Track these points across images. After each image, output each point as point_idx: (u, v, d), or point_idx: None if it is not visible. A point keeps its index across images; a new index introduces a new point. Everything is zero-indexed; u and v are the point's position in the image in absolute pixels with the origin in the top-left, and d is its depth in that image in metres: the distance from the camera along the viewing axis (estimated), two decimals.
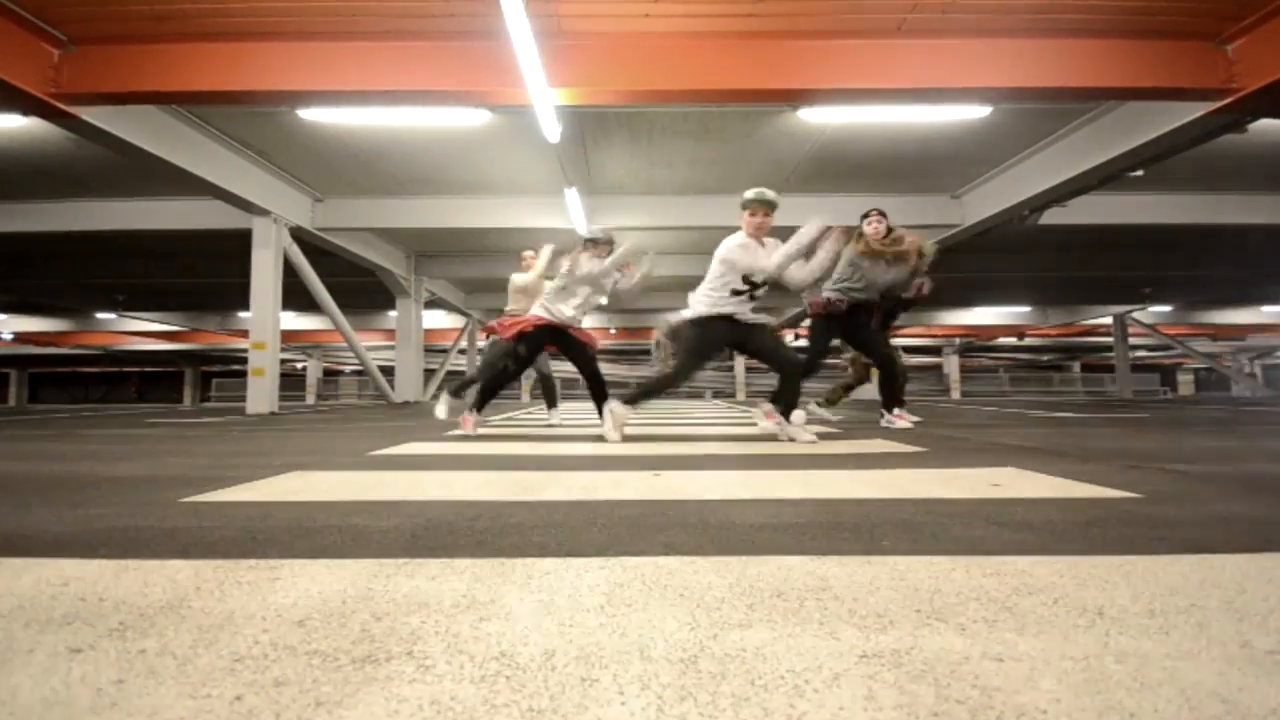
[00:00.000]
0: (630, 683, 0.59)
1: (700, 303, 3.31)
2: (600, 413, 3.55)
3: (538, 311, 3.76)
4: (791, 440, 3.14)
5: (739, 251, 3.21)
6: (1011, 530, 1.21)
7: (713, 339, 3.31)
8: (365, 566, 0.98)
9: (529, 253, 4.89)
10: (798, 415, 3.27)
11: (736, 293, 3.24)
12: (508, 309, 4.59)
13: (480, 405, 3.82)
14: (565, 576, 0.93)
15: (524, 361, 3.86)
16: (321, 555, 1.06)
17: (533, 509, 1.45)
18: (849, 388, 5.11)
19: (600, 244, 3.75)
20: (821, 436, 3.42)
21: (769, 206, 3.23)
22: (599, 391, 3.74)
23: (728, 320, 3.26)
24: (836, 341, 4.40)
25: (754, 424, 4.03)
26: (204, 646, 0.68)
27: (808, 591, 0.86)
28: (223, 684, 0.59)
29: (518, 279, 4.78)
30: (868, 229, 4.26)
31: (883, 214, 4.33)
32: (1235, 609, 0.77)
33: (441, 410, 4.98)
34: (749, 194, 3.26)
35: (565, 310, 3.75)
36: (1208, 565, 0.96)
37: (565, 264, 3.73)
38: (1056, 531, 1.20)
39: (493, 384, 3.91)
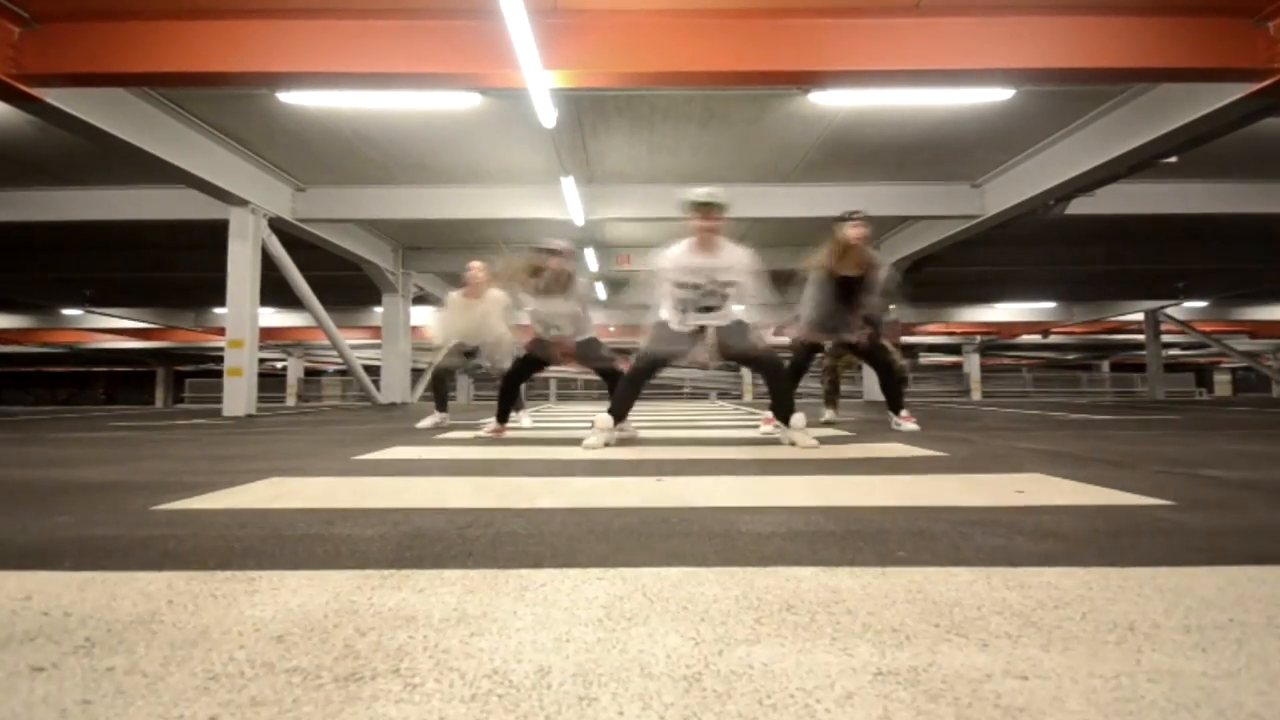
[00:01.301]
0: (630, 701, 0.59)
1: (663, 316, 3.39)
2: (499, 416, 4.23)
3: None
4: (793, 444, 3.16)
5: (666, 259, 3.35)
6: (1036, 539, 1.21)
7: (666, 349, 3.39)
8: (349, 578, 0.98)
9: (476, 263, 5.15)
10: (797, 419, 3.28)
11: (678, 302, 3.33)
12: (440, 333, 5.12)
13: (503, 413, 4.27)
14: (562, 588, 0.93)
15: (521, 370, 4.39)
16: (302, 566, 1.06)
17: (528, 517, 1.45)
18: (834, 385, 5.46)
19: (545, 253, 4.03)
20: (833, 440, 3.42)
21: (711, 208, 3.23)
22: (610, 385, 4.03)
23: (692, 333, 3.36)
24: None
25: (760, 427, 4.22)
26: (176, 664, 0.68)
27: (819, 605, 0.85)
28: (196, 704, 0.59)
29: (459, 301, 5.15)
30: (852, 232, 4.18)
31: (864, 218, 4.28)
32: (1278, 624, 0.77)
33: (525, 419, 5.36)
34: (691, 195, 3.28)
35: (555, 330, 4.17)
36: (1247, 577, 0.95)
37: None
38: (1084, 541, 1.20)
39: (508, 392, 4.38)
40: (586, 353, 4.21)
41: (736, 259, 3.31)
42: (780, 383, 3.38)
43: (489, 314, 4.95)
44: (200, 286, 14.72)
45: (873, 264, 4.25)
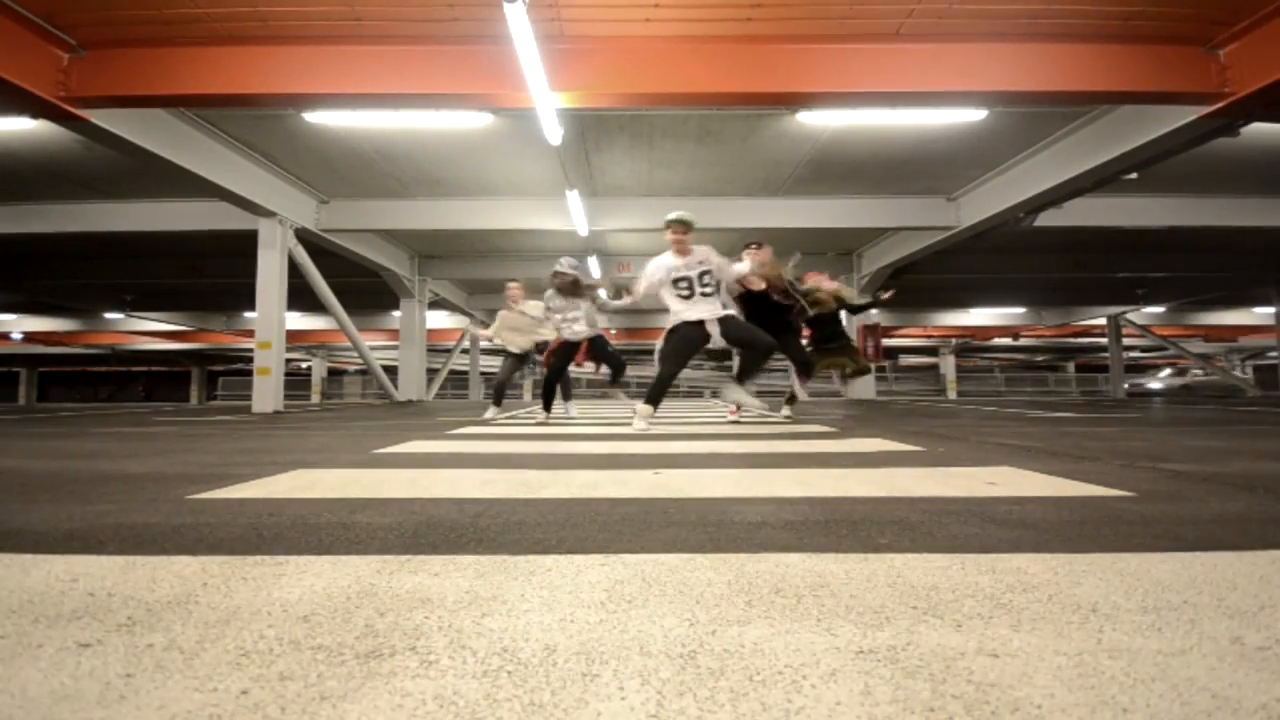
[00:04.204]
0: (630, 678, 0.59)
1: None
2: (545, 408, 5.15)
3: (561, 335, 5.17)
4: (738, 406, 4.05)
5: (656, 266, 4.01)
6: (1007, 528, 1.21)
7: (688, 342, 3.97)
8: (369, 563, 0.98)
9: (514, 283, 5.93)
10: (749, 387, 4.10)
11: (681, 296, 3.94)
12: (497, 339, 5.89)
13: (547, 405, 5.22)
14: (566, 573, 0.93)
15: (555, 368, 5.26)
16: (326, 552, 1.06)
17: (535, 506, 1.45)
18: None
19: (558, 275, 5.01)
20: (819, 436, 3.42)
21: (683, 226, 3.91)
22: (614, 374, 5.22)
23: (696, 324, 3.91)
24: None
25: (762, 422, 4.61)
26: (210, 641, 0.68)
27: (805, 588, 0.86)
28: (229, 678, 0.59)
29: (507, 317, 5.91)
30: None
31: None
32: (1227, 606, 0.77)
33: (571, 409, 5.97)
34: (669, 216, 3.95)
35: (576, 329, 5.12)
36: (1200, 562, 0.96)
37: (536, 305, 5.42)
38: (1051, 529, 1.20)
39: (549, 387, 5.31)
40: (600, 348, 5.12)
41: (705, 253, 3.98)
42: (758, 360, 4.25)
43: (527, 319, 5.73)
44: (231, 292, 14.73)
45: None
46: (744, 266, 4.32)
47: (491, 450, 2.77)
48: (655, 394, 3.97)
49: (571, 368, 5.45)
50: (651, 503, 1.49)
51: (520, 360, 5.98)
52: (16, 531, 1.22)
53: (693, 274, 3.91)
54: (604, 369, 5.26)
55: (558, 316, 5.11)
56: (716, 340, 3.93)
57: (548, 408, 5.17)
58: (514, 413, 7.15)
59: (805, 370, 4.88)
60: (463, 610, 0.78)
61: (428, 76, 5.03)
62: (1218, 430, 3.89)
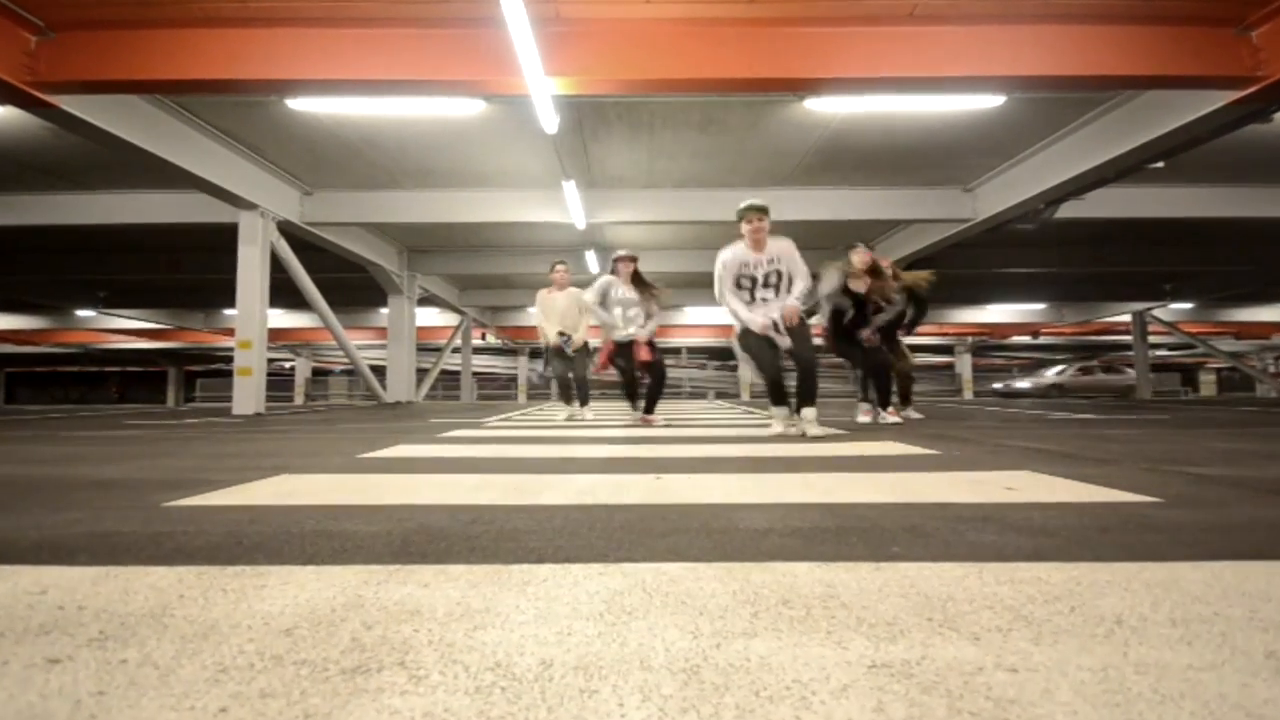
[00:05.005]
0: (630, 694, 0.59)
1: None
2: (633, 406, 5.16)
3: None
4: (804, 434, 3.64)
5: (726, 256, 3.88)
6: (1026, 536, 1.21)
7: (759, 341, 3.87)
8: (355, 573, 0.98)
9: (561, 266, 5.79)
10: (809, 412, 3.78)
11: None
12: (556, 329, 5.67)
13: (584, 399, 5.58)
14: (563, 583, 0.93)
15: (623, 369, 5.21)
16: (310, 561, 1.06)
17: (530, 513, 1.45)
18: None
19: (626, 260, 5.01)
20: (829, 439, 3.43)
21: (760, 212, 3.80)
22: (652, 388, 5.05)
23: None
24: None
25: (762, 425, 4.57)
26: (187, 657, 0.68)
27: (814, 599, 0.85)
28: (207, 696, 0.59)
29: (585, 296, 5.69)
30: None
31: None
32: (1260, 618, 0.77)
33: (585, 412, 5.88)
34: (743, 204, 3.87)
35: (628, 329, 5.01)
36: (1231, 572, 0.95)
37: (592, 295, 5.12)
38: (1073, 537, 1.20)
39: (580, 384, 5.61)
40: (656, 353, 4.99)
41: (781, 248, 3.81)
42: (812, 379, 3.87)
43: (572, 307, 5.65)
44: (210, 288, 14.74)
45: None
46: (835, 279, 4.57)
47: (485, 454, 2.77)
48: (776, 395, 3.94)
49: (591, 372, 5.45)
50: (652, 509, 1.49)
51: (561, 352, 5.67)
52: None
53: (760, 275, 3.77)
54: (644, 378, 5.08)
55: (618, 310, 4.93)
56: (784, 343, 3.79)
57: (584, 401, 5.52)
58: (508, 414, 7.15)
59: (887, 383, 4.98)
60: (454, 623, 0.78)
61: (417, 61, 5.02)
62: (1248, 433, 3.89)
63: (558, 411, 5.75)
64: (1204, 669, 0.64)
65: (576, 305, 5.60)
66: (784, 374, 3.88)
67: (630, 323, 4.96)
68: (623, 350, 4.97)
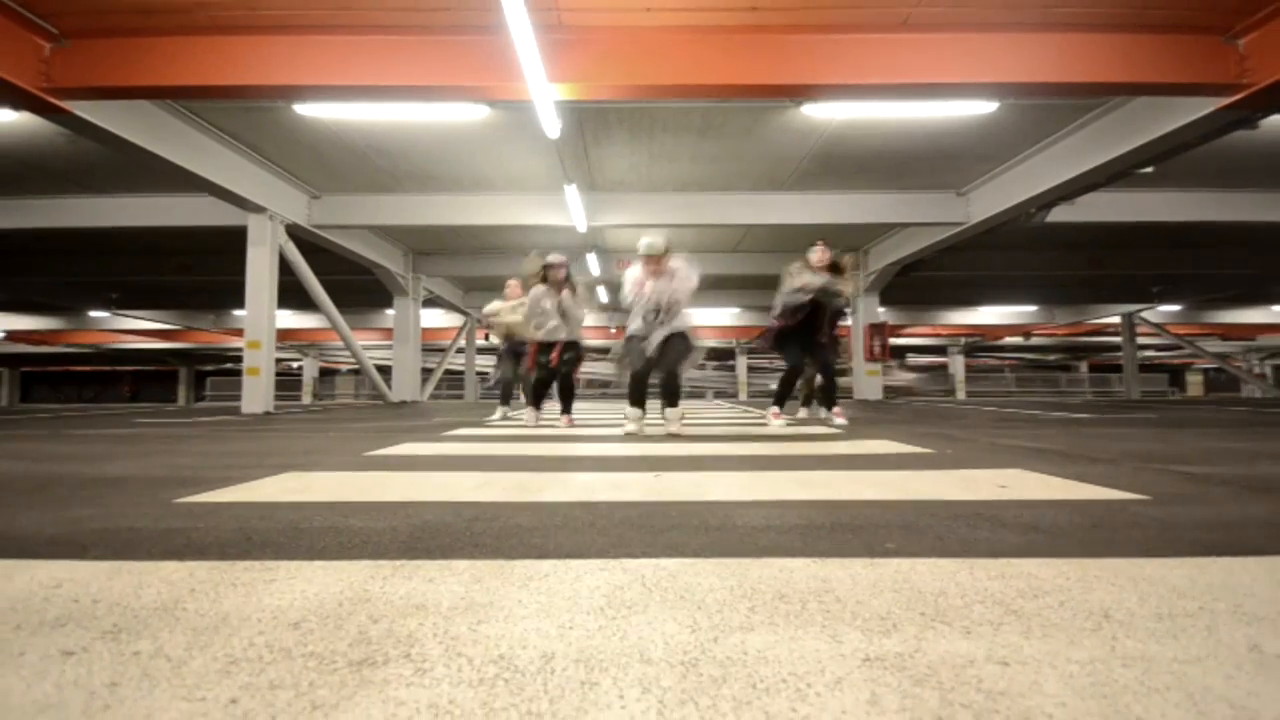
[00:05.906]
0: (630, 686, 0.60)
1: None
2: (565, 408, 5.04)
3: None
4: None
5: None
6: (1017, 532, 1.21)
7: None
8: (362, 568, 0.99)
9: (513, 281, 5.85)
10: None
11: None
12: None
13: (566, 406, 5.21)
14: (565, 578, 0.94)
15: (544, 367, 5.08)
16: (318, 557, 1.06)
17: (532, 510, 1.45)
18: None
19: (552, 267, 4.79)
20: (824, 438, 3.43)
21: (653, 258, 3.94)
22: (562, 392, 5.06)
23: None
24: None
25: (762, 423, 4.76)
26: (199, 649, 0.68)
27: (810, 594, 0.86)
28: (218, 687, 0.59)
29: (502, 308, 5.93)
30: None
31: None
32: (1244, 612, 0.77)
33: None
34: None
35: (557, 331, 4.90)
36: (1216, 568, 0.96)
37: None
38: (1063, 533, 1.20)
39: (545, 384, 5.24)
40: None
41: (680, 279, 3.95)
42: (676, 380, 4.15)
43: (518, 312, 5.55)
44: (220, 289, 14.72)
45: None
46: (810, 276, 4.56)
47: (488, 452, 2.77)
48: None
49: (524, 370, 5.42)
50: (652, 506, 1.49)
51: (512, 353, 5.82)
52: None
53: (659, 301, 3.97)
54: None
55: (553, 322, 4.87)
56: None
57: (567, 409, 5.10)
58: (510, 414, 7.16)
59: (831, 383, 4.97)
60: (458, 616, 0.78)
61: (422, 68, 5.03)
62: (1238, 432, 3.89)
63: (522, 413, 5.77)
64: (1189, 662, 0.64)
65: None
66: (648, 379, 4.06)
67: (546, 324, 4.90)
68: (544, 350, 4.98)
